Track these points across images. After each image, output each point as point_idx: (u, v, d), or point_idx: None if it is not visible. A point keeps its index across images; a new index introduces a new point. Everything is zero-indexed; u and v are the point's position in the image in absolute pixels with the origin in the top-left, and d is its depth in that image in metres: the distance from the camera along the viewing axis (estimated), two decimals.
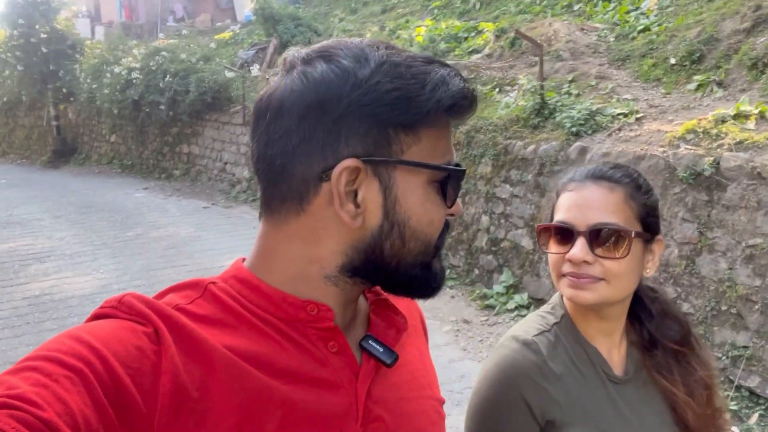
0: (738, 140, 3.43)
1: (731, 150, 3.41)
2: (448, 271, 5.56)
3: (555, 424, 0.97)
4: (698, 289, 3.46)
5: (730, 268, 3.31)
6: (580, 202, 0.99)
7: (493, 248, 5.18)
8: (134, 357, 0.53)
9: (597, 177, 1.01)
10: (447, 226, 0.67)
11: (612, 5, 7.62)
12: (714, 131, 3.61)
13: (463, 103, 0.63)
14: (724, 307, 3.32)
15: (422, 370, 0.77)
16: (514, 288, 4.88)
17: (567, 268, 0.98)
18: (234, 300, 0.63)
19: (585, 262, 0.96)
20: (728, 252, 3.33)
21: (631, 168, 1.05)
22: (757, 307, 3.18)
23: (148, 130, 12.15)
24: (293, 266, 0.65)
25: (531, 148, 4.86)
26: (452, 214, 0.68)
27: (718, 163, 3.41)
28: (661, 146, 3.82)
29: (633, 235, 0.97)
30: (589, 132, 4.50)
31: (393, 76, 0.60)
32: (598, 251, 0.96)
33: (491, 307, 4.82)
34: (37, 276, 5.93)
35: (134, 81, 11.36)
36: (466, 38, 8.92)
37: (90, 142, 14.77)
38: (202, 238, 7.30)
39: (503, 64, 7.07)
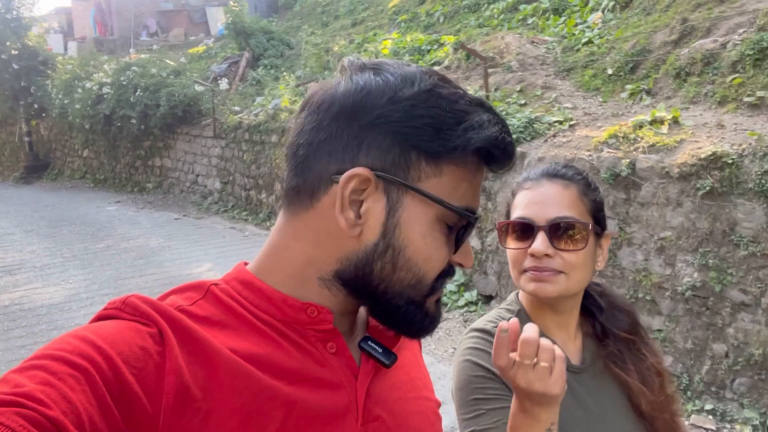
0: (651, 143, 3.78)
1: (645, 152, 3.75)
2: None
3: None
4: (620, 280, 3.78)
5: (645, 259, 3.65)
6: (537, 199, 1.03)
7: None
8: (138, 357, 0.54)
9: (552, 175, 1.05)
10: (450, 272, 0.67)
11: (562, 19, 8.04)
12: (632, 136, 3.96)
13: (496, 152, 0.62)
14: (641, 295, 3.64)
15: (418, 372, 0.79)
16: (464, 286, 5.17)
17: (528, 262, 1.01)
18: (235, 301, 0.64)
19: (546, 255, 0.99)
20: (643, 245, 3.67)
21: (580, 167, 1.14)
22: (667, 293, 3.51)
23: (120, 144, 12.29)
24: (293, 264, 0.66)
25: None
26: (460, 264, 0.67)
27: (633, 165, 3.75)
28: (588, 150, 4.15)
29: (590, 227, 1.01)
30: (528, 138, 4.83)
31: (431, 105, 0.61)
32: (558, 244, 0.99)
33: (444, 304, 5.11)
34: (7, 287, 6.07)
35: (105, 96, 11.52)
36: (429, 51, 9.26)
37: (62, 157, 14.83)
38: (172, 248, 7.48)
39: (459, 76, 7.42)
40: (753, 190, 3.11)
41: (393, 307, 0.65)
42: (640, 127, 4.01)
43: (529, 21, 8.74)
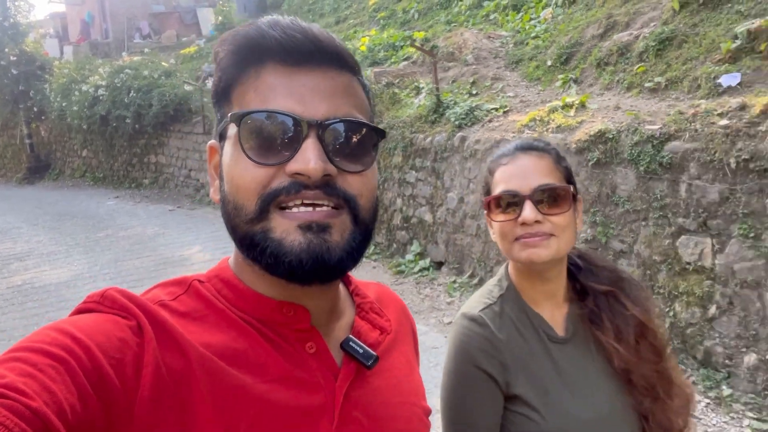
0: (559, 124, 4.48)
1: (553, 132, 4.46)
2: (372, 248, 6.55)
3: (510, 387, 1.05)
4: None
5: None
6: (517, 172, 1.07)
7: (405, 224, 6.20)
8: (117, 348, 0.54)
9: (525, 148, 1.10)
10: (290, 187, 0.60)
11: (519, 15, 8.72)
12: (546, 119, 4.66)
13: (267, 41, 0.62)
14: None
15: (408, 376, 0.78)
16: (420, 255, 5.90)
17: (520, 230, 1.04)
18: (216, 299, 0.65)
19: (536, 222, 1.02)
20: None
21: (547, 141, 1.18)
22: None
23: (116, 143, 12.99)
24: (240, 257, 0.67)
25: (429, 139, 5.89)
26: (297, 173, 0.60)
27: None
28: (512, 132, 4.86)
29: (571, 190, 1.07)
30: (469, 124, 5.54)
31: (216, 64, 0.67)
32: (545, 209, 1.03)
33: (402, 272, 5.83)
34: (18, 271, 6.80)
35: (101, 98, 12.22)
36: (402, 47, 9.92)
37: (63, 157, 15.52)
38: (166, 235, 8.21)
39: (423, 70, 8.11)
40: (627, 159, 3.82)
41: (243, 243, 0.63)
42: (554, 111, 4.71)
43: (491, 17, 9.42)
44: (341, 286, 0.75)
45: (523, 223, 1.03)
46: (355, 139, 0.63)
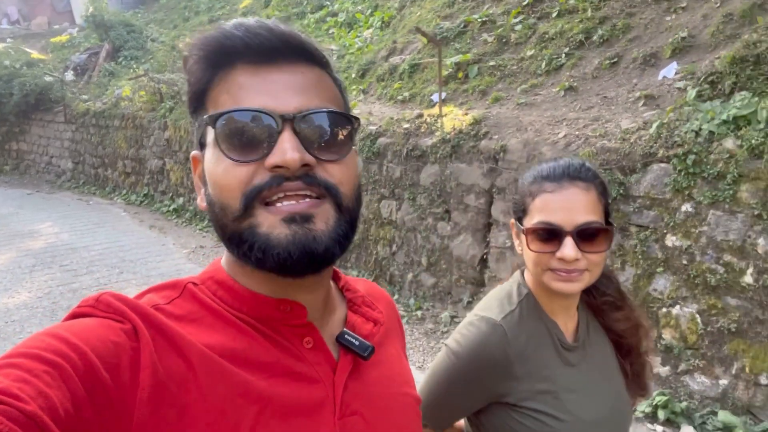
0: None
1: None
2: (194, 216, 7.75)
3: (514, 394, 1.09)
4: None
5: None
6: (563, 204, 1.06)
7: None
8: (112, 352, 0.55)
9: (573, 177, 1.08)
10: (271, 181, 0.61)
11: (350, 32, 10.34)
12: None
13: (227, 42, 0.63)
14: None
15: (400, 368, 0.82)
16: None
17: (557, 265, 1.06)
18: (211, 300, 0.67)
19: (575, 259, 1.04)
20: None
21: (592, 165, 1.14)
22: None
23: None
24: (231, 257, 0.69)
25: None
26: (275, 165, 0.61)
27: None
28: None
29: (613, 230, 1.09)
30: None
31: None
32: (584, 247, 1.05)
33: None
34: None
35: None
36: None
37: None
38: (20, 214, 8.89)
39: None
40: (358, 149, 5.45)
41: (232, 241, 0.64)
42: None
43: (331, 31, 10.98)
44: (331, 283, 0.77)
45: (561, 259, 1.05)
46: (330, 129, 0.65)
